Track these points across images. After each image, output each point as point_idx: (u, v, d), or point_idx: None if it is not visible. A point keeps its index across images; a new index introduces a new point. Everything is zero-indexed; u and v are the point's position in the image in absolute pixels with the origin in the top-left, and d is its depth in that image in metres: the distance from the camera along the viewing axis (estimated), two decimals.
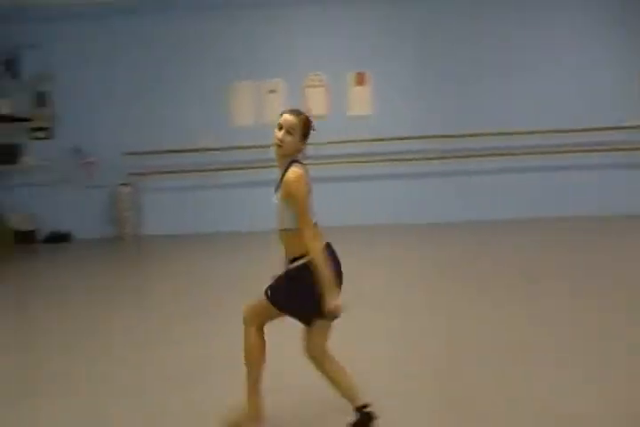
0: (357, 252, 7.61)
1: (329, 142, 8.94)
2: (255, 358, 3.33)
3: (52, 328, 5.55)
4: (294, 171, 3.18)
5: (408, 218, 9.14)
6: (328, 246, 3.25)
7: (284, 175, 3.20)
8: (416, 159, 8.97)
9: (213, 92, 9.08)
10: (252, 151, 9.02)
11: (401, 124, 9.06)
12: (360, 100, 9.17)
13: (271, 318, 3.34)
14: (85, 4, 8.63)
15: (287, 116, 3.21)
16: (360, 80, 9.14)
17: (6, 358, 4.77)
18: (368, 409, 3.27)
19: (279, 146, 3.20)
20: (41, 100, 9.13)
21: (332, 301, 3.07)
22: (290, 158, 3.24)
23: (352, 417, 3.30)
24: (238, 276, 6.85)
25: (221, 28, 8.95)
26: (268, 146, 8.99)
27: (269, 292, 3.28)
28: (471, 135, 8.87)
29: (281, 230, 3.27)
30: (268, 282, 3.36)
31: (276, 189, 3.26)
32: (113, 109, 9.10)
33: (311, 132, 3.28)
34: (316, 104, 9.19)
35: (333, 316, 3.09)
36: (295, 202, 3.16)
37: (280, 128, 3.21)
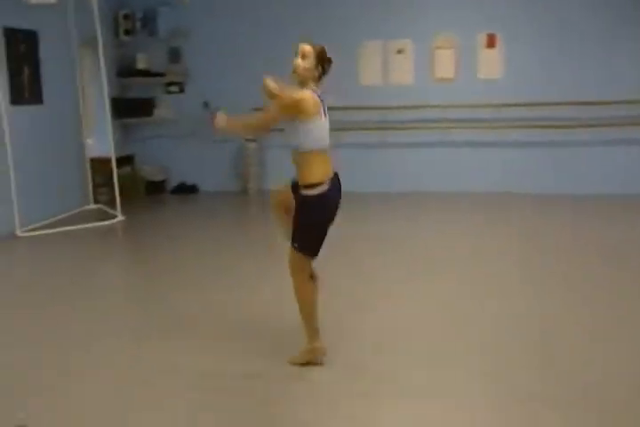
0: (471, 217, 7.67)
1: (456, 106, 8.81)
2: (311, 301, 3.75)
3: (186, 269, 5.97)
4: (302, 91, 3.50)
5: (522, 187, 8.97)
6: (335, 176, 3.66)
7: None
8: (544, 126, 8.72)
9: (341, 50, 9.00)
10: (378, 112, 8.99)
11: (531, 90, 8.79)
12: (490, 63, 8.93)
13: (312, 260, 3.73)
14: None
15: (303, 45, 3.54)
16: (491, 42, 8.88)
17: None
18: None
19: (294, 71, 3.53)
20: (175, 56, 9.41)
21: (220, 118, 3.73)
22: (304, 83, 3.54)
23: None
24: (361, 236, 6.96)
25: None
26: (395, 107, 8.98)
27: (296, 244, 3.62)
28: (607, 103, 8.53)
29: (293, 151, 3.63)
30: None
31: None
32: (241, 66, 9.24)
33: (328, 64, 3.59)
34: (444, 66, 9.02)
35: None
36: (278, 111, 3.50)
37: (295, 55, 3.54)
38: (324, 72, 3.59)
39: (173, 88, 9.51)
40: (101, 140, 8.62)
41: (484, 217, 7.89)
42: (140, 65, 9.39)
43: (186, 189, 9.75)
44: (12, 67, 7.41)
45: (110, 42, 9.15)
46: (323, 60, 3.56)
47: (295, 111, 3.46)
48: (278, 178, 9.32)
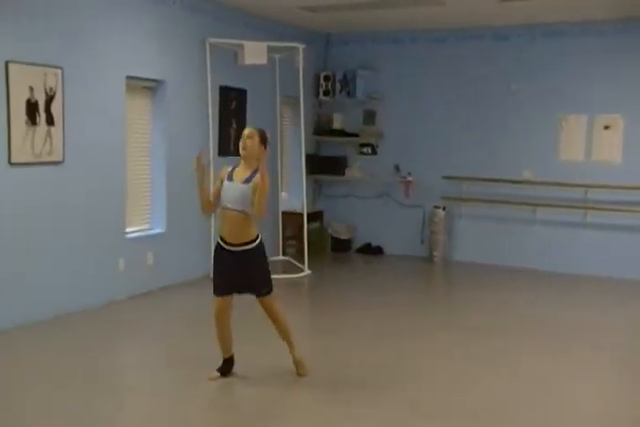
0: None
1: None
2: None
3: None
4: (262, 174, 4.30)
5: None
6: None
7: (253, 175, 4.35)
8: None
9: (541, 122, 8.81)
10: (576, 189, 8.55)
11: None
12: None
13: None
14: (424, 29, 9.07)
15: (246, 130, 4.48)
16: None
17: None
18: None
19: (244, 149, 4.39)
20: (369, 117, 9.70)
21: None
22: (255, 164, 4.37)
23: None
24: (541, 316, 6.68)
25: (556, 58, 8.66)
26: (595, 186, 8.44)
27: (266, 290, 4.58)
28: None
29: (239, 212, 4.34)
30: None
31: (246, 182, 4.34)
32: (434, 132, 9.31)
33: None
34: None
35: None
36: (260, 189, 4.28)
37: (242, 137, 4.41)
38: (263, 152, 4.44)
39: (366, 149, 9.76)
40: (294, 195, 8.98)
41: None
42: (336, 124, 9.77)
43: (371, 250, 9.82)
44: (223, 121, 8.01)
45: (310, 101, 9.63)
46: (265, 138, 4.49)
47: None
48: (465, 248, 9.40)
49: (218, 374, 4.61)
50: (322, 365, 4.97)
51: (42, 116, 5.78)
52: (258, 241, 4.45)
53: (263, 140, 4.44)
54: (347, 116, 9.81)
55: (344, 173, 9.79)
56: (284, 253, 9.07)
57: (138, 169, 7.10)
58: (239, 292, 4.54)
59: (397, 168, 9.56)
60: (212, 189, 4.64)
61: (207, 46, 7.44)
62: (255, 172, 4.34)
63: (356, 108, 9.74)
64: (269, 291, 4.55)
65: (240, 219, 4.35)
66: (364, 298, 7.35)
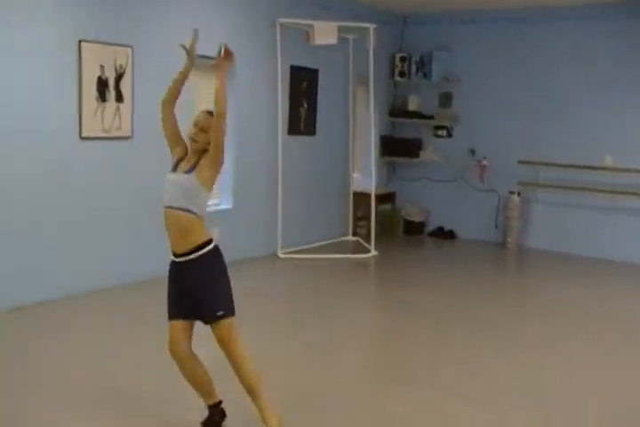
0: None
1: None
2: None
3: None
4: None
5: None
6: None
7: (198, 160, 3.45)
8: None
9: (627, 107, 8.51)
10: None
11: None
12: None
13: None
14: (506, 8, 8.90)
15: (202, 115, 3.55)
16: None
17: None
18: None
19: (194, 140, 3.47)
20: (445, 100, 9.64)
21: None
22: (203, 149, 3.47)
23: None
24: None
25: None
26: None
27: (221, 313, 3.38)
28: None
29: (182, 211, 3.37)
30: None
31: (189, 171, 3.42)
32: (511, 116, 9.17)
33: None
34: None
35: None
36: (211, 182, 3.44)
37: (195, 125, 3.49)
38: None
39: (441, 132, 9.72)
40: (366, 176, 9.06)
41: None
42: (412, 106, 9.76)
43: (443, 234, 9.81)
44: (294, 101, 8.18)
45: (385, 82, 9.67)
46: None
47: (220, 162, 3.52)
48: (539, 234, 9.21)
49: None
50: (369, 342, 5.12)
51: (111, 93, 6.12)
52: (210, 247, 3.45)
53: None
54: (422, 98, 9.79)
55: (418, 156, 9.79)
56: (354, 234, 9.21)
57: None
58: (195, 317, 3.48)
59: (472, 152, 9.48)
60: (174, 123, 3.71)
61: (277, 26, 7.60)
62: (199, 160, 3.48)
63: (431, 89, 9.69)
64: (226, 314, 3.40)
65: (185, 220, 3.38)
66: (429, 281, 7.37)
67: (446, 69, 9.51)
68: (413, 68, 9.63)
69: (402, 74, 9.68)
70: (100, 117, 6.04)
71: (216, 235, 7.19)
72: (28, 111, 5.52)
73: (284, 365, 4.58)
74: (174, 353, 3.45)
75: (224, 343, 3.40)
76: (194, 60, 3.70)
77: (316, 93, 8.50)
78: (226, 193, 7.59)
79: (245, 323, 5.53)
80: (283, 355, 4.81)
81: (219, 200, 7.63)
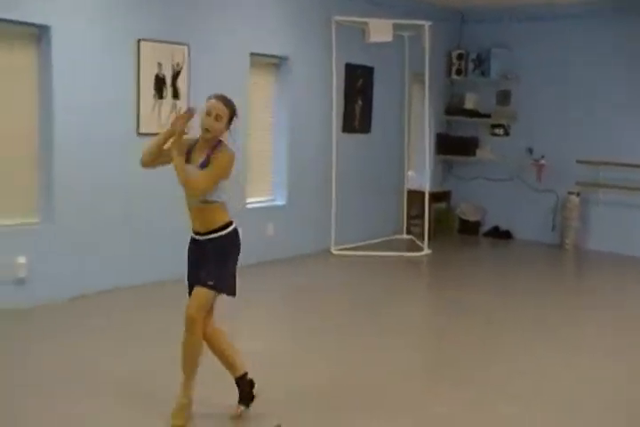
0: None
1: None
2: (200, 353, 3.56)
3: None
4: (228, 151, 3.52)
5: None
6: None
7: (213, 152, 3.48)
8: None
9: None
10: None
11: None
12: None
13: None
14: (566, 4, 8.71)
15: (216, 104, 3.46)
16: None
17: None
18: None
19: (208, 131, 3.45)
20: (503, 98, 9.52)
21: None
22: (215, 139, 3.51)
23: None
24: None
25: None
26: None
27: (211, 283, 3.47)
28: None
29: (201, 203, 3.49)
30: None
31: (202, 165, 3.46)
32: (570, 114, 8.99)
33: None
34: None
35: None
36: (212, 167, 3.44)
37: (209, 114, 3.44)
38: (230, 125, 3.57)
39: (498, 130, 9.61)
40: (421, 174, 9.02)
41: None
42: (469, 104, 9.67)
43: (499, 234, 9.68)
44: (348, 98, 8.22)
45: (442, 80, 9.62)
46: (234, 117, 3.56)
47: (230, 169, 3.56)
48: (600, 236, 8.98)
49: (241, 407, 3.69)
50: (419, 341, 5.13)
51: (168, 90, 6.26)
52: (230, 229, 3.55)
53: (231, 119, 3.55)
54: (479, 96, 9.68)
55: (475, 154, 9.70)
56: (408, 232, 9.18)
57: (260, 143, 7.44)
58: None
59: (530, 151, 9.32)
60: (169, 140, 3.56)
61: (333, 24, 7.63)
62: (212, 151, 3.50)
63: (489, 88, 9.59)
64: (214, 287, 3.50)
65: (207, 210, 3.53)
66: (483, 281, 7.33)
67: (505, 67, 9.39)
68: (471, 65, 9.56)
69: (459, 71, 9.61)
70: (156, 114, 6.18)
71: (270, 231, 7.41)
72: (89, 109, 5.71)
73: (332, 361, 4.63)
74: (187, 316, 3.54)
75: (191, 308, 3.48)
76: (181, 135, 3.53)
77: (372, 91, 8.52)
78: (280, 189, 7.67)
79: (295, 318, 5.67)
80: (332, 351, 4.85)
81: (273, 196, 7.72)
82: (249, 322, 5.49)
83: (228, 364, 3.69)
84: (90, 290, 5.76)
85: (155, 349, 4.59)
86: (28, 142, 5.56)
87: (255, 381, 3.72)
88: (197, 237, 3.58)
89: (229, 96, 3.59)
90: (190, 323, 3.47)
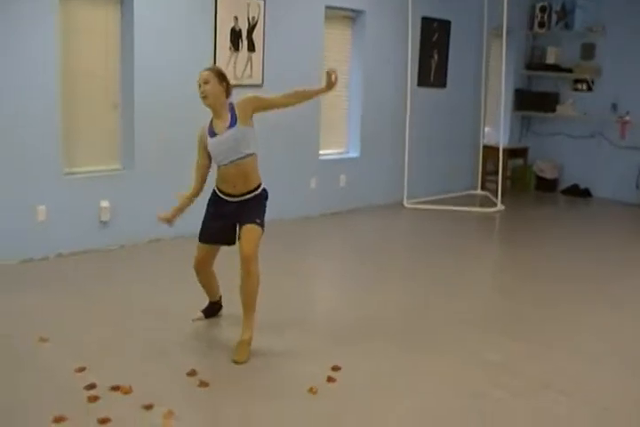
0: None
1: None
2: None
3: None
4: (245, 95, 3.81)
5: None
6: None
7: (233, 112, 3.76)
8: None
9: None
10: None
11: None
12: None
13: None
14: None
15: (201, 73, 3.78)
16: None
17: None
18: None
19: (204, 97, 3.74)
20: (588, 52, 9.25)
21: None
22: (225, 104, 3.79)
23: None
24: None
25: None
26: None
27: (259, 221, 3.79)
28: None
29: (237, 164, 3.76)
30: None
31: (231, 125, 3.74)
32: None
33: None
34: None
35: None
36: (261, 97, 3.90)
37: (198, 86, 3.76)
38: (228, 90, 3.83)
39: (581, 85, 9.38)
40: (498, 130, 8.95)
41: None
42: (550, 59, 9.45)
43: (578, 192, 9.52)
44: (424, 52, 8.21)
45: (523, 33, 9.44)
46: (224, 77, 3.81)
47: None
48: None
49: (201, 315, 4.29)
50: (481, 294, 5.23)
51: (244, 43, 6.45)
52: (261, 189, 3.90)
53: (222, 78, 3.80)
54: (562, 50, 9.45)
55: (555, 110, 9.51)
56: (482, 188, 9.18)
57: (335, 97, 7.54)
58: (228, 243, 3.98)
59: (615, 107, 9.08)
60: (198, 156, 3.98)
61: None
62: (233, 113, 3.78)
63: (573, 41, 9.35)
64: (261, 224, 3.82)
65: (249, 166, 3.82)
66: (557, 239, 7.18)
67: (590, 19, 9.12)
68: (554, 18, 9.31)
69: (541, 24, 9.39)
70: (232, 66, 6.39)
71: (342, 182, 7.57)
72: (168, 61, 5.97)
73: (393, 303, 4.84)
74: (197, 270, 4.06)
75: (247, 245, 3.71)
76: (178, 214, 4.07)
77: (448, 46, 8.47)
78: (353, 142, 7.81)
79: (361, 269, 5.82)
80: (396, 295, 5.05)
81: (346, 148, 7.85)
82: (319, 267, 5.76)
83: (212, 292, 4.24)
84: (166, 234, 6.10)
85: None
86: (111, 94, 5.87)
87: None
88: (229, 198, 3.86)
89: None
90: (249, 261, 3.69)
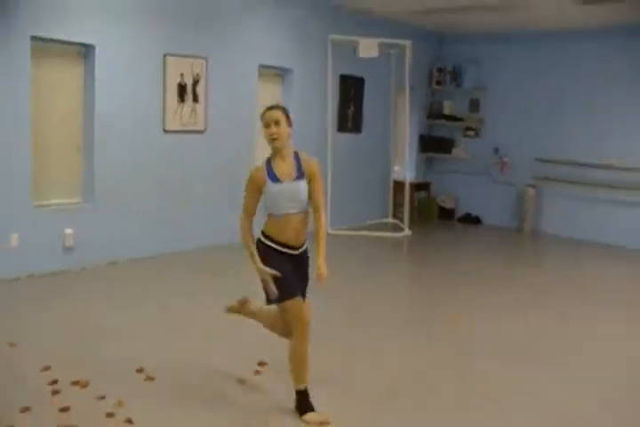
0: None
1: None
2: None
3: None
4: (314, 159, 3.28)
5: None
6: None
7: (299, 163, 3.19)
8: None
9: (627, 112, 8.50)
10: None
11: None
12: None
13: None
14: (520, 30, 9.01)
15: (270, 112, 3.14)
16: None
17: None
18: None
19: (275, 139, 3.11)
20: (474, 105, 9.79)
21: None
22: (290, 148, 3.19)
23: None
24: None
25: None
26: None
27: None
28: None
29: (299, 213, 3.15)
30: None
31: (299, 177, 3.16)
32: (529, 120, 9.26)
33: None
34: None
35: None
36: (318, 184, 3.23)
37: (267, 125, 3.12)
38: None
39: (470, 132, 9.88)
40: (406, 168, 9.32)
41: None
42: (446, 110, 9.95)
43: (471, 220, 9.98)
44: (342, 104, 8.55)
45: (424, 89, 9.91)
46: (289, 118, 3.21)
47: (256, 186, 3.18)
48: (551, 221, 9.27)
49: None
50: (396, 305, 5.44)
51: (189, 96, 6.64)
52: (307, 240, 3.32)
53: (289, 118, 3.21)
54: (455, 104, 9.96)
55: (451, 152, 9.99)
56: (394, 217, 9.49)
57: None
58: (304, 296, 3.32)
59: (496, 150, 9.62)
60: (248, 201, 3.20)
61: (329, 41, 7.91)
62: (298, 160, 3.22)
63: (463, 96, 9.87)
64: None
65: (303, 220, 3.20)
66: (452, 255, 7.69)
67: (475, 79, 9.68)
68: (448, 77, 9.83)
69: (438, 82, 9.89)
70: (179, 115, 6.56)
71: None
72: (124, 110, 6.11)
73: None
74: (307, 324, 3.21)
75: (309, 318, 3.22)
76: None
77: (362, 98, 8.83)
78: None
79: None
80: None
81: None
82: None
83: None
84: (121, 257, 6.20)
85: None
86: (74, 138, 5.98)
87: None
88: (290, 251, 3.21)
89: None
90: (307, 330, 3.18)
